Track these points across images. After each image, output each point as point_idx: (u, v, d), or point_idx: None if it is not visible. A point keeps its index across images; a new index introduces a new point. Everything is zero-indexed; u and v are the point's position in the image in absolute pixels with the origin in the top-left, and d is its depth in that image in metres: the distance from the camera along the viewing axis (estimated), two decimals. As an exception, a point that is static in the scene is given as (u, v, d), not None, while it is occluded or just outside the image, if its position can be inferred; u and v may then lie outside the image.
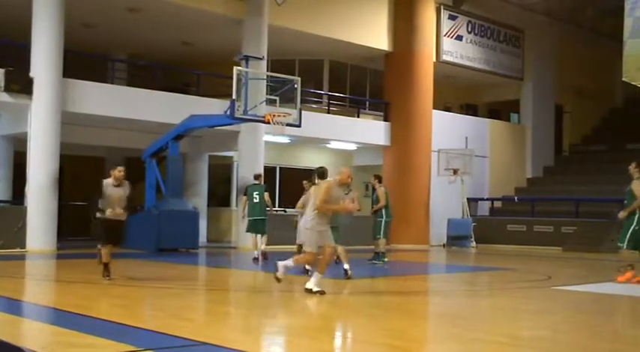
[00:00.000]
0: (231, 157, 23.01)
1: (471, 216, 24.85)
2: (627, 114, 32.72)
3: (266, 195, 15.59)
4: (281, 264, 9.67)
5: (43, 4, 16.97)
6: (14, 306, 8.49)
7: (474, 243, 23.99)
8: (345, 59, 25.21)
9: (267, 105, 17.80)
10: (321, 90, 24.70)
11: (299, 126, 17.93)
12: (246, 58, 18.08)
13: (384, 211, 15.29)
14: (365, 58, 24.92)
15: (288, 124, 17.56)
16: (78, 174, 24.42)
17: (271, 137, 21.31)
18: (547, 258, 19.65)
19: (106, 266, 10.76)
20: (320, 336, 7.08)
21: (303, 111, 18.26)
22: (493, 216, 26.69)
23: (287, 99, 17.92)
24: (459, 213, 24.76)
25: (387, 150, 24.32)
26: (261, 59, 19.51)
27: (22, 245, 16.57)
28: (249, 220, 15.63)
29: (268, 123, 17.26)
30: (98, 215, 10.63)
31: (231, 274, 14.25)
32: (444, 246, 24.47)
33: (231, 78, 16.77)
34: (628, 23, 20.64)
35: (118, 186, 10.51)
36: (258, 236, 15.68)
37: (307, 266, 12.12)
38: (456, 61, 26.13)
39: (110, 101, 18.42)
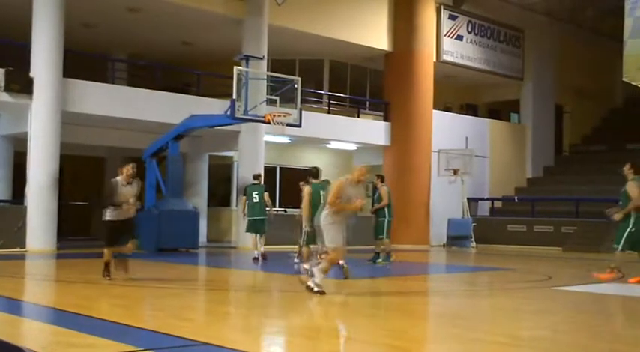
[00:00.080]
0: (232, 157, 23.01)
1: (471, 216, 24.86)
2: (627, 114, 32.72)
3: (266, 195, 15.60)
4: (316, 269, 9.41)
5: (43, 4, 16.98)
6: (14, 306, 8.49)
7: (474, 243, 23.99)
8: (345, 59, 25.22)
9: (267, 105, 17.80)
10: (322, 90, 24.70)
11: (299, 126, 17.93)
12: (247, 58, 18.08)
13: (386, 210, 15.32)
14: (365, 58, 24.93)
15: (288, 124, 17.56)
16: (78, 174, 24.43)
17: (271, 137, 21.32)
18: (547, 258, 19.65)
19: (106, 265, 10.74)
20: (320, 336, 7.09)
21: (303, 111, 18.27)
22: (493, 216, 26.69)
23: (287, 99, 17.92)
24: (459, 213, 24.76)
25: (387, 150, 24.32)
26: (261, 59, 19.51)
27: (22, 245, 16.58)
28: (249, 220, 15.64)
29: (268, 123, 17.26)
30: (105, 218, 10.55)
31: (231, 274, 14.25)
32: (444, 246, 24.47)
33: (232, 78, 16.77)
34: (628, 23, 20.67)
35: (128, 184, 10.46)
36: (258, 236, 15.69)
37: (306, 266, 12.13)
38: (456, 61, 26.14)
39: (110, 101, 18.43)
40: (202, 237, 21.03)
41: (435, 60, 24.99)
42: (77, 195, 23.45)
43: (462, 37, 26.32)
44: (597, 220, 23.24)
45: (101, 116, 18.52)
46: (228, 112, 16.82)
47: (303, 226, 12.23)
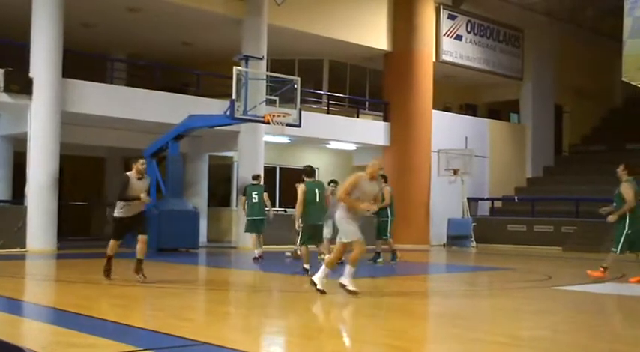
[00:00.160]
0: (231, 157, 23.01)
1: (471, 215, 24.87)
2: (627, 114, 32.73)
3: (265, 195, 15.61)
4: (347, 273, 9.30)
5: (43, 3, 16.97)
6: (14, 306, 8.49)
7: (474, 242, 23.99)
8: (344, 59, 25.21)
9: (266, 105, 17.81)
10: (321, 90, 24.70)
11: (299, 126, 17.93)
12: (246, 58, 18.08)
13: (389, 210, 15.39)
14: (364, 57, 24.93)
15: (287, 124, 17.56)
16: (78, 174, 24.44)
17: (271, 137, 21.32)
18: (547, 257, 19.66)
19: (109, 259, 10.77)
20: (319, 336, 7.09)
21: (302, 112, 18.27)
22: (493, 216, 26.69)
23: (287, 100, 17.93)
24: (459, 213, 24.76)
25: (387, 151, 24.31)
26: (260, 59, 19.51)
27: (22, 245, 16.57)
28: (248, 220, 15.65)
29: (268, 123, 17.26)
30: (115, 214, 10.60)
31: (231, 274, 14.25)
32: (444, 245, 24.48)
33: (231, 78, 16.77)
34: (627, 23, 20.67)
35: (140, 179, 10.57)
36: (256, 235, 15.69)
37: (306, 266, 12.13)
38: (456, 60, 26.14)
39: (110, 101, 18.43)
40: (202, 237, 21.02)
41: (434, 60, 24.99)
42: (77, 195, 23.45)
43: (462, 36, 26.32)
44: (597, 220, 23.14)
45: (100, 116, 18.52)
46: (228, 112, 16.81)
47: (296, 225, 12.23)
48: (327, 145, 24.36)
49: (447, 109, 27.85)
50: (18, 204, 17.50)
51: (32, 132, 16.95)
